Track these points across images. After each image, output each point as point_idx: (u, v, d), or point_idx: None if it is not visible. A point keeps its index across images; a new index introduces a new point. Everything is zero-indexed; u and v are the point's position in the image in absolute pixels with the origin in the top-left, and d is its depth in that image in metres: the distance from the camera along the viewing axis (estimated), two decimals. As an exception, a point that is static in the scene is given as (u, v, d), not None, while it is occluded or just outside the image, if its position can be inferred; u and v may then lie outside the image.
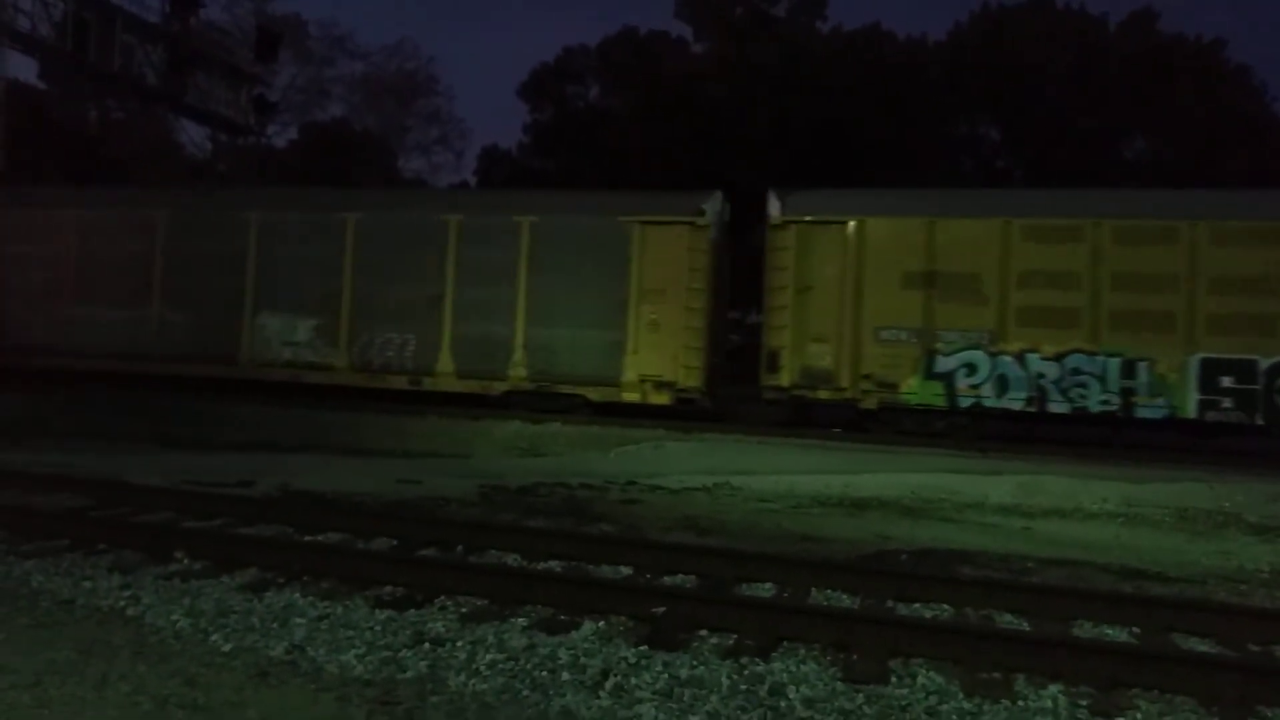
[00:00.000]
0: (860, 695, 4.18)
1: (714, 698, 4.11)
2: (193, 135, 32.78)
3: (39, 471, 8.88)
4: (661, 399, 15.09)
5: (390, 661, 4.43)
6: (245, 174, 30.12)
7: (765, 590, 5.88)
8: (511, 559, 6.44)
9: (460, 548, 6.66)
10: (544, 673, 4.34)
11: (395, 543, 6.70)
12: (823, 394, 14.62)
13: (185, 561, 5.98)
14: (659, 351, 15.12)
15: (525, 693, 4.13)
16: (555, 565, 6.30)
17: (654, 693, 4.15)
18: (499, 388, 15.70)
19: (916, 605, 5.63)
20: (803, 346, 14.71)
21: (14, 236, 17.94)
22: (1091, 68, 26.04)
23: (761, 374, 14.95)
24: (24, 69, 33.22)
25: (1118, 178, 24.52)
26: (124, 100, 29.93)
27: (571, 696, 4.09)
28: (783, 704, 4.08)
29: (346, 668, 4.35)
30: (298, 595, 5.36)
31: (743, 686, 4.25)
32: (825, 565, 6.39)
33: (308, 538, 6.80)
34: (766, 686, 4.25)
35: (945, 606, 5.61)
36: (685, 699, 4.09)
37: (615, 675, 4.31)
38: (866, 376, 14.42)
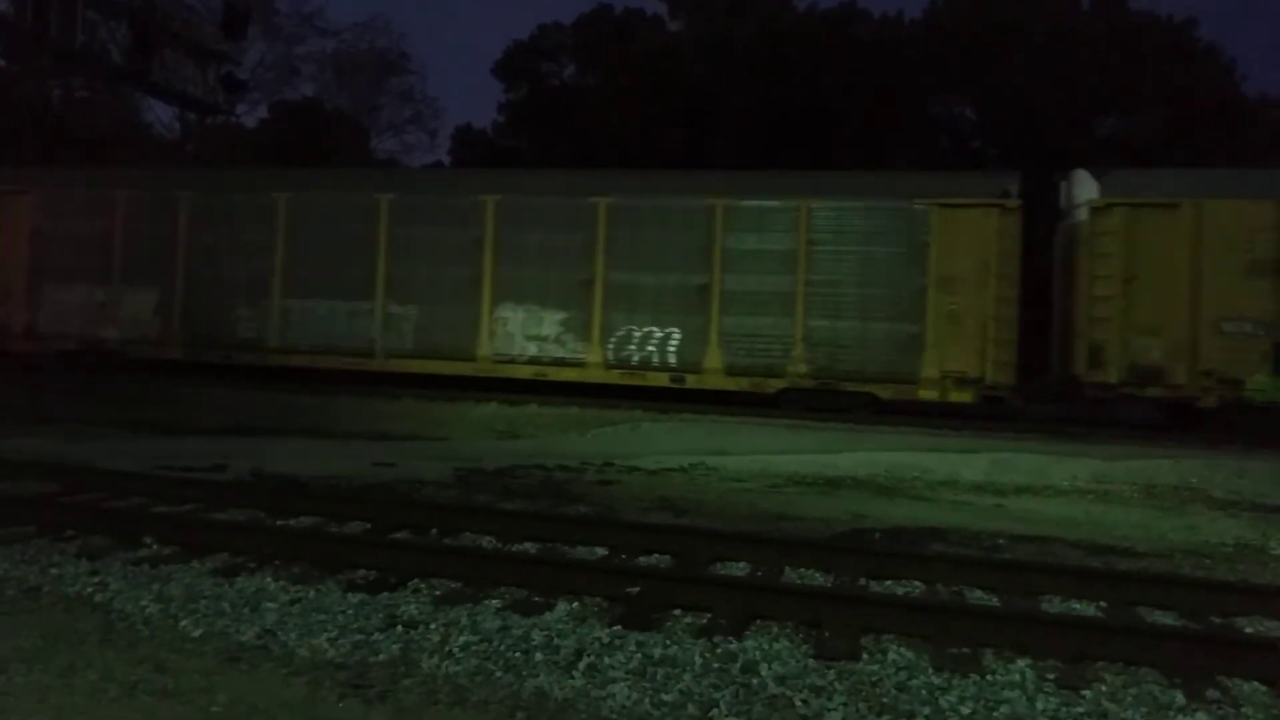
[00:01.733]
0: (831, 671, 4.22)
1: (687, 676, 4.13)
2: (160, 114, 32.27)
3: (6, 457, 8.74)
4: (964, 396, 14.02)
5: (363, 645, 4.41)
6: (215, 154, 29.66)
7: (739, 569, 5.92)
8: (486, 541, 6.43)
9: (434, 530, 6.64)
10: (517, 654, 4.34)
11: (369, 526, 6.67)
12: (1153, 391, 13.55)
13: (155, 547, 5.92)
14: (961, 345, 14.00)
15: (498, 674, 4.13)
16: (530, 547, 6.30)
17: (627, 672, 4.17)
18: (774, 385, 14.61)
19: (888, 582, 5.69)
20: (1129, 340, 13.55)
21: (205, 224, 16.84)
22: (1063, 47, 26.14)
23: (1080, 370, 13.92)
24: (-16, 46, 32.40)
25: (1091, 157, 24.68)
26: (88, 79, 29.33)
27: (545, 677, 4.10)
28: (755, 681, 4.11)
29: (318, 651, 4.33)
30: (269, 579, 5.32)
31: (715, 665, 4.27)
32: (799, 544, 6.42)
33: (280, 522, 6.76)
34: (739, 664, 4.28)
35: (917, 583, 5.66)
36: (658, 678, 4.11)
37: (589, 655, 4.33)
38: (1206, 373, 13.27)
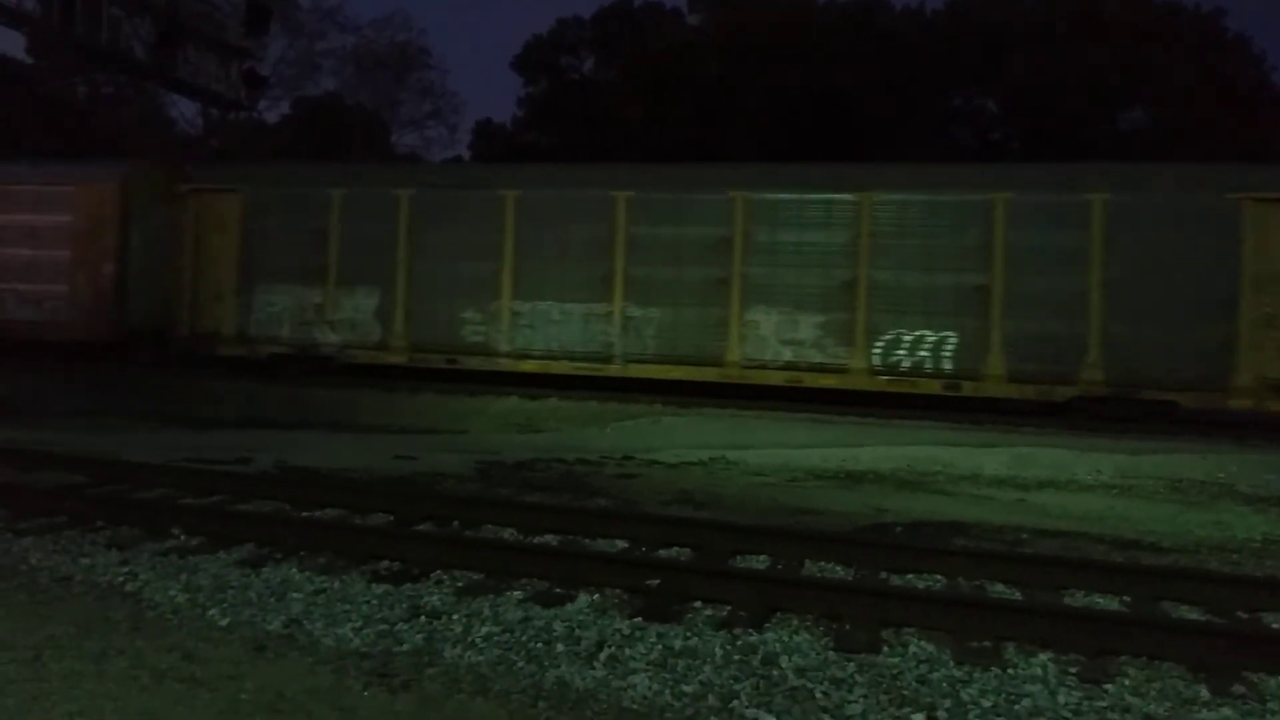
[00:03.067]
0: (852, 664, 4.23)
1: (707, 668, 4.15)
2: (184, 110, 32.58)
3: (37, 449, 8.89)
4: None
5: (387, 634, 4.46)
6: (238, 149, 29.92)
7: (760, 562, 5.92)
8: (507, 533, 6.48)
9: (456, 522, 6.69)
10: (539, 644, 4.37)
11: (392, 518, 6.73)
12: None
13: (182, 538, 6.01)
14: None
15: (520, 664, 4.17)
16: (551, 539, 6.34)
17: (648, 663, 4.19)
18: (1063, 393, 13.52)
19: (909, 576, 5.68)
20: None
21: (428, 222, 15.87)
22: (1088, 38, 25.84)
23: None
24: (11, 43, 32.96)
25: (1114, 149, 24.42)
26: (113, 75, 29.67)
27: (566, 668, 4.13)
28: (775, 673, 4.12)
29: (343, 641, 4.39)
30: (294, 570, 5.39)
31: (736, 657, 4.29)
32: (819, 537, 6.42)
33: (304, 513, 6.83)
34: (759, 656, 4.29)
35: (938, 577, 5.65)
36: (679, 669, 4.13)
37: (610, 647, 4.35)
38: None
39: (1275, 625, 4.99)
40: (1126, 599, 5.30)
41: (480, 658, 4.22)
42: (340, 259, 16.21)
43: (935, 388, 13.98)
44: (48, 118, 27.76)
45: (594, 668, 4.14)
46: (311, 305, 16.34)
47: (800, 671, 4.14)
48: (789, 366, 14.48)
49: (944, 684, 4.05)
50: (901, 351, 14.08)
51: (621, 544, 6.26)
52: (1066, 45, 25.78)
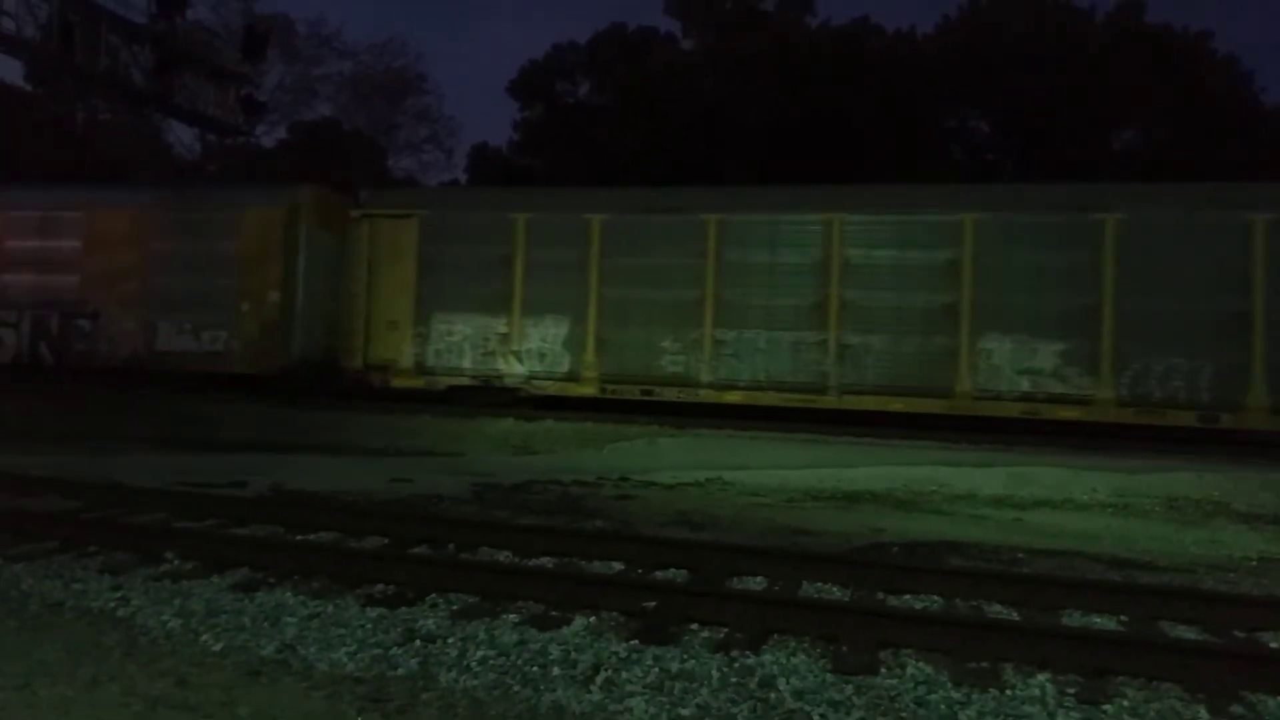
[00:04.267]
0: (850, 686, 4.21)
1: (704, 690, 4.13)
2: (181, 136, 32.70)
3: (29, 473, 8.85)
4: None
5: (381, 659, 4.44)
6: (235, 174, 30.02)
7: (757, 584, 5.90)
8: (503, 556, 6.45)
9: (452, 545, 6.66)
10: (535, 668, 4.35)
11: (387, 541, 6.71)
12: None
13: (176, 562, 5.98)
14: None
15: (516, 688, 4.14)
16: (547, 561, 6.31)
17: (644, 686, 4.17)
18: None
19: (907, 597, 5.66)
20: None
21: (621, 247, 15.24)
22: (1078, 59, 26.10)
23: None
24: (10, 70, 33.14)
25: (1107, 169, 24.61)
26: (111, 101, 29.80)
27: (562, 692, 4.10)
28: (773, 695, 4.10)
29: (337, 665, 4.36)
30: (289, 594, 5.36)
31: (733, 679, 4.26)
32: (816, 558, 6.40)
33: (299, 537, 6.80)
34: (757, 679, 4.27)
35: (935, 598, 5.63)
36: (675, 692, 4.11)
37: (606, 670, 4.33)
38: None
39: (1273, 645, 4.98)
40: (1124, 619, 5.29)
41: (476, 682, 4.20)
42: (526, 286, 15.61)
43: (1189, 419, 13.29)
44: (47, 143, 27.86)
45: (590, 691, 4.11)
46: (495, 335, 15.77)
47: (798, 694, 4.12)
48: (1025, 398, 13.74)
49: (942, 705, 4.03)
50: (1152, 382, 13.31)
51: (618, 566, 6.24)
52: (1057, 67, 26.03)
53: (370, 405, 15.72)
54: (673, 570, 6.14)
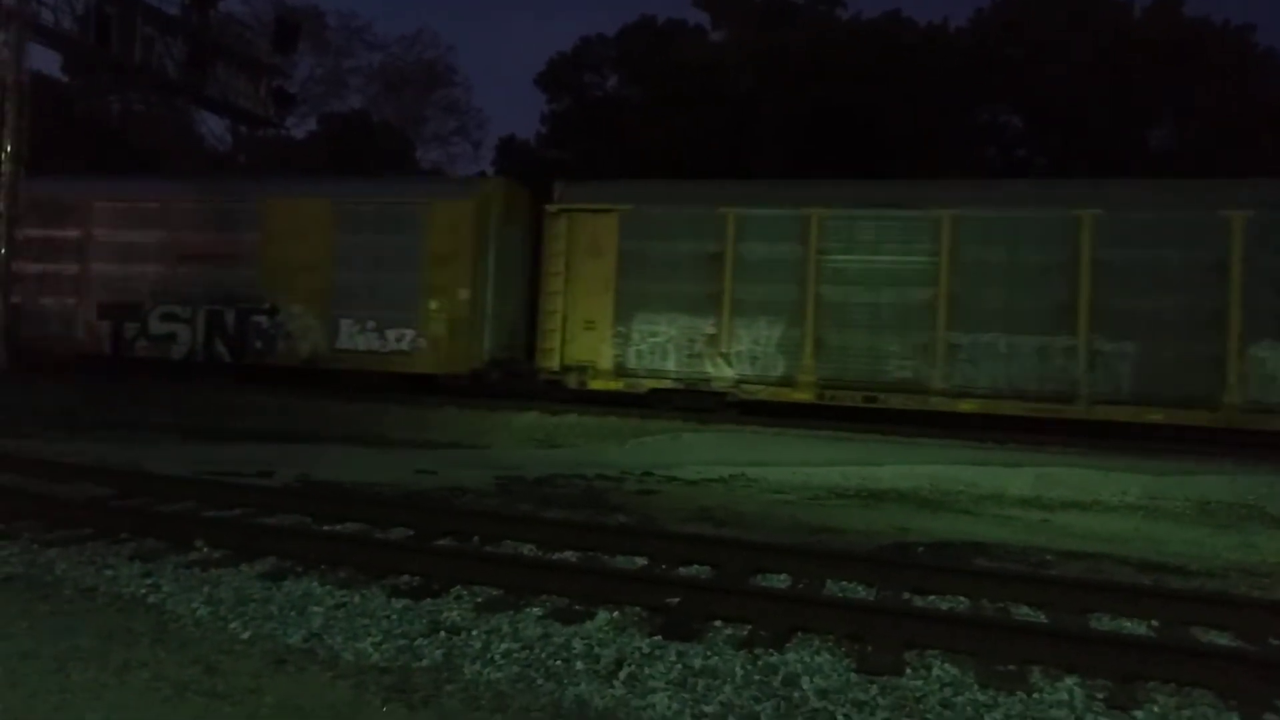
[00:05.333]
0: (874, 686, 4.18)
1: (727, 688, 4.12)
2: (213, 127, 33.11)
3: (62, 461, 9.01)
4: None
5: (406, 650, 4.46)
6: (265, 166, 30.32)
7: (780, 581, 5.88)
8: (527, 549, 6.47)
9: (476, 538, 6.69)
10: (558, 662, 4.36)
11: (412, 533, 6.75)
12: None
13: (205, 550, 6.06)
14: None
15: (539, 681, 4.15)
16: (570, 555, 6.33)
17: (667, 682, 4.16)
18: None
19: (932, 597, 5.61)
20: None
21: (835, 241, 14.40)
22: (1115, 54, 25.69)
23: None
24: (47, 62, 33.67)
25: (1142, 166, 24.20)
26: (145, 93, 30.22)
27: (585, 686, 4.11)
28: (796, 694, 4.08)
29: (363, 655, 4.40)
30: (315, 584, 5.41)
31: (756, 677, 4.25)
32: (841, 556, 6.37)
33: (326, 527, 6.87)
34: (780, 677, 4.25)
35: (962, 599, 5.58)
36: (699, 689, 4.10)
37: (629, 665, 4.33)
38: None
39: (1309, 652, 4.88)
40: (1154, 623, 5.21)
41: (499, 674, 4.21)
42: (737, 285, 14.93)
43: None
44: (83, 135, 28.30)
45: (613, 686, 4.11)
46: (702, 336, 15.04)
47: (822, 693, 4.09)
48: None
49: (968, 708, 3.99)
50: None
51: (641, 561, 6.23)
52: (1094, 61, 25.64)
53: (396, 397, 15.81)
54: (696, 566, 6.13)
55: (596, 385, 15.40)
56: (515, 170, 32.37)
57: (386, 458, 10.94)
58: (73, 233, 18.16)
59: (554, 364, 15.59)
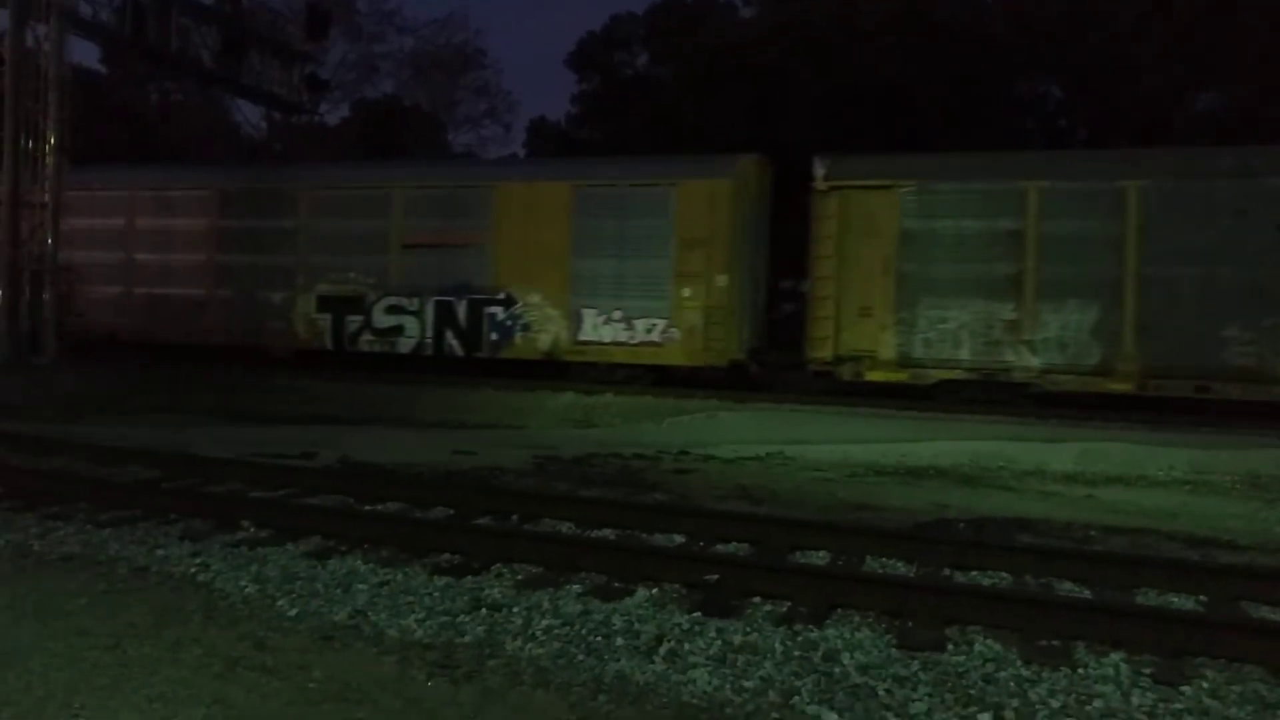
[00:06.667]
0: (915, 662, 4.16)
1: (768, 663, 4.13)
2: (248, 115, 33.44)
3: (113, 445, 9.23)
4: None
5: (449, 626, 4.53)
6: (300, 152, 30.61)
7: (820, 558, 5.86)
8: (565, 527, 6.52)
9: (515, 516, 6.76)
10: (598, 638, 4.40)
11: (452, 512, 6.83)
12: None
13: (252, 530, 6.18)
14: None
15: (580, 657, 4.19)
16: (609, 533, 6.36)
17: (708, 658, 4.18)
18: None
19: (974, 573, 5.56)
20: None
21: (1165, 220, 13.09)
22: (1158, 20, 24.96)
23: None
24: (86, 53, 34.19)
25: (1186, 133, 23.56)
26: (182, 82, 30.60)
27: (626, 661, 4.14)
28: (837, 670, 4.08)
29: (407, 632, 4.47)
30: (359, 562, 5.50)
31: (796, 653, 4.25)
32: (880, 533, 6.34)
33: (368, 507, 6.97)
34: (820, 653, 4.25)
35: (1004, 574, 5.53)
36: (739, 665, 4.11)
37: (669, 641, 4.35)
38: None
39: (1364, 627, 4.77)
40: (1203, 598, 5.13)
41: (541, 650, 4.26)
42: (1040, 265, 13.59)
43: None
44: (121, 126, 28.76)
45: (654, 662, 4.14)
46: (1001, 322, 13.79)
47: (862, 669, 4.09)
48: None
49: (1011, 683, 3.96)
50: None
51: (679, 539, 6.25)
52: (1134, 26, 24.96)
53: (433, 379, 15.96)
54: (734, 544, 6.13)
55: (875, 376, 14.28)
56: (547, 150, 32.44)
57: (425, 438, 11.06)
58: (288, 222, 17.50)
59: (827, 354, 14.44)
